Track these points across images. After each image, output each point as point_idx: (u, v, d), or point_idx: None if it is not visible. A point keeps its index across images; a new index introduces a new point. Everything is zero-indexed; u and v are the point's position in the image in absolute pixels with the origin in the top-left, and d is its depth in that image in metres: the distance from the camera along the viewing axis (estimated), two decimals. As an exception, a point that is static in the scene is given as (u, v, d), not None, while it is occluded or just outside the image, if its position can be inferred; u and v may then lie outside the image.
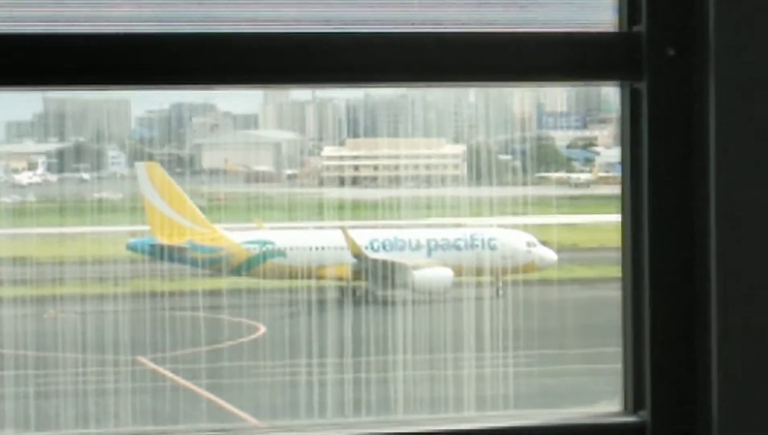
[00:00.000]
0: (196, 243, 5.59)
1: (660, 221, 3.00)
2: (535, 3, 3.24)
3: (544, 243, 5.73)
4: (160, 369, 5.33)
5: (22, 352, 5.02)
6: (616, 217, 3.12)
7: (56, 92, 5.58)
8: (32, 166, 5.52)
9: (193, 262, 5.65)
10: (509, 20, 3.17)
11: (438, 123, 5.40)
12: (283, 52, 3.00)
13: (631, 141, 3.08)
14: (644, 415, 3.03)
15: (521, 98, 5.22)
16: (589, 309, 5.24)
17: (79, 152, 5.51)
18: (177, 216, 5.49)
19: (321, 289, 5.71)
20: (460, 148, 5.66)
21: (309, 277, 5.81)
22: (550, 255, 5.73)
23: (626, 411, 3.11)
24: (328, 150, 6.18)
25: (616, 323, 3.15)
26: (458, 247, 5.94)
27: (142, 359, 5.28)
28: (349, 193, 5.95)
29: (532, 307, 5.14)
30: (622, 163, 3.14)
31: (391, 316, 5.45)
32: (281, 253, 5.99)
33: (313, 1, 3.16)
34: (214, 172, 6.00)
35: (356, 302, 5.66)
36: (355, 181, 6.05)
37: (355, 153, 6.03)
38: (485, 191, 5.63)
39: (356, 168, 5.92)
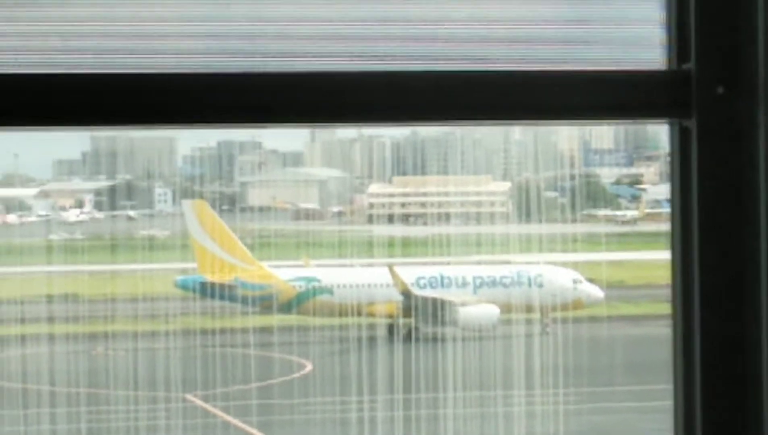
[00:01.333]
0: (245, 280, 5.58)
1: (710, 259, 2.75)
2: (585, 41, 3.01)
3: (590, 280, 5.64)
4: (210, 407, 5.24)
5: (74, 390, 4.98)
6: (663, 255, 2.97)
7: (104, 131, 5.70)
8: (79, 204, 5.62)
9: (243, 300, 5.62)
10: (559, 57, 2.96)
11: (485, 160, 5.40)
12: (331, 91, 2.80)
13: (680, 179, 2.85)
14: None
15: (568, 136, 5.22)
16: (637, 346, 5.23)
17: (126, 190, 5.59)
18: (224, 253, 5.45)
19: (369, 326, 5.68)
20: (507, 185, 5.61)
21: (358, 314, 5.75)
22: (597, 292, 5.65)
23: None
24: (375, 187, 6.14)
25: (664, 360, 2.93)
26: (505, 285, 5.91)
27: (192, 397, 5.14)
28: (395, 230, 5.85)
29: (579, 344, 5.05)
30: (672, 200, 2.96)
31: (441, 353, 5.44)
32: (329, 290, 5.95)
33: (355, 39, 2.90)
34: (261, 210, 6.06)
35: (405, 339, 5.61)
36: (402, 219, 5.97)
37: (402, 190, 5.99)
38: (532, 228, 5.63)
39: (403, 205, 5.86)
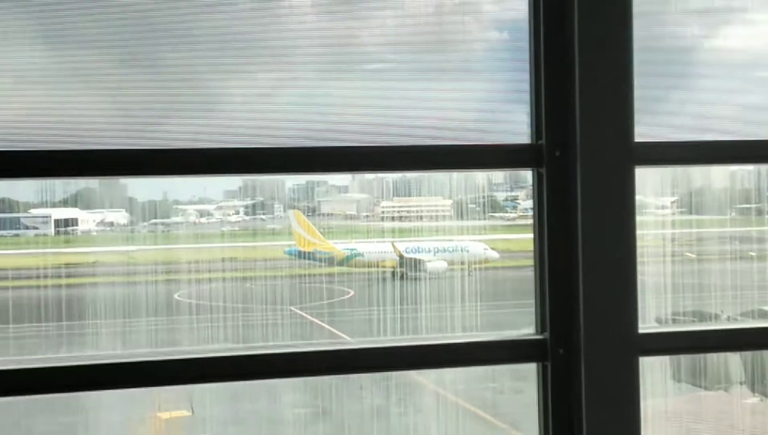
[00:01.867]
0: (320, 250, 7.41)
1: (553, 237, 3.29)
2: (485, 130, 3.53)
3: (492, 248, 6.88)
4: (303, 313, 6.45)
5: (235, 305, 6.30)
6: (529, 235, 3.43)
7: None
8: (237, 213, 7.17)
9: (318, 260, 7.44)
10: (473, 138, 3.49)
11: (439, 189, 6.45)
12: (348, 154, 3.34)
13: (537, 199, 3.35)
14: (547, 336, 3.28)
15: (482, 177, 6.34)
16: (517, 282, 6.48)
17: (260, 205, 7.25)
18: (309, 237, 7.34)
19: (382, 272, 7.57)
20: (450, 201, 7.56)
21: (376, 266, 7.68)
22: (495, 254, 6.82)
23: (537, 332, 3.35)
24: (384, 203, 8.00)
25: (531, 289, 3.41)
26: (449, 251, 7.78)
27: (293, 309, 6.37)
28: (394, 225, 7.13)
29: (487, 280, 6.19)
30: (534, 209, 3.40)
31: (417, 285, 7.22)
32: (361, 254, 7.99)
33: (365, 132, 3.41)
34: (328, 215, 7.64)
35: (399, 279, 7.47)
36: (397, 219, 7.19)
37: (397, 204, 8.01)
38: (462, 223, 7.68)
39: (398, 212, 7.11)
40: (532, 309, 3.41)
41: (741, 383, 4.44)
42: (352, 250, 7.94)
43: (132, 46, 3.07)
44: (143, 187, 5.80)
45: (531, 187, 3.40)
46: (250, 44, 3.26)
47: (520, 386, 4.12)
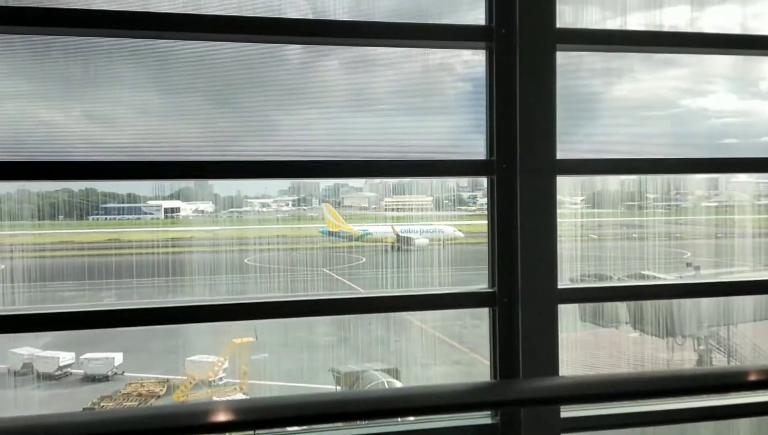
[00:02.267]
0: (342, 230, 7.23)
1: (500, 223, 3.13)
2: (455, 150, 3.40)
3: (459, 230, 6.80)
4: (332, 273, 6.29)
5: (285, 267, 6.14)
6: (484, 222, 3.31)
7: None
8: (287, 205, 7.02)
9: (341, 237, 7.27)
10: (448, 155, 3.36)
11: (424, 189, 6.38)
12: (356, 165, 3.24)
13: (490, 197, 3.20)
14: (495, 289, 3.14)
15: (453, 181, 6.24)
16: (476, 253, 5.89)
17: (303, 200, 7.12)
18: (336, 221, 7.16)
19: (384, 246, 7.33)
20: (431, 198, 7.31)
21: (381, 242, 7.40)
22: (461, 234, 6.73)
23: (489, 288, 3.20)
24: (387, 199, 7.80)
25: (485, 257, 3.27)
26: (430, 232, 7.45)
27: (325, 270, 6.27)
28: (394, 214, 7.05)
29: (456, 252, 6.19)
30: (488, 203, 3.25)
31: (408, 255, 6.97)
32: (370, 233, 7.51)
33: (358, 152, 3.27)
34: (348, 207, 7.50)
35: (396, 250, 7.23)
36: (395, 209, 7.12)
37: (395, 199, 7.74)
38: (438, 214, 6.68)
39: (396, 204, 7.03)
40: (486, 271, 3.32)
41: (626, 323, 4.40)
42: (364, 230, 7.77)
43: (218, 90, 3.09)
44: (224, 187, 5.79)
45: (486, 189, 3.31)
46: (296, 90, 3.23)
47: (477, 323, 3.91)
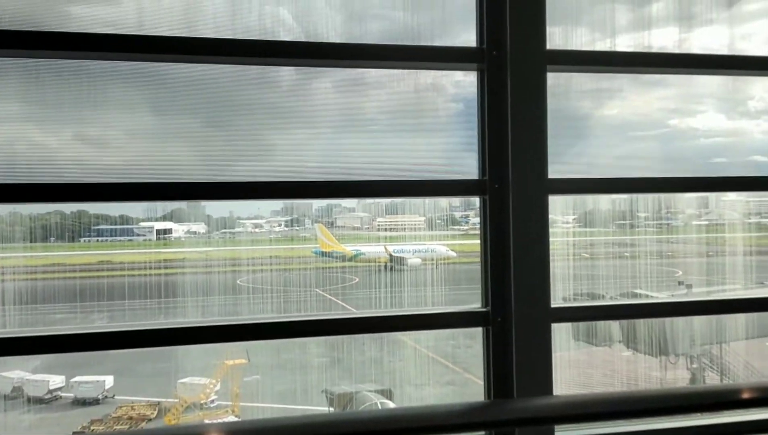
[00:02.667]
0: (335, 250, 7.17)
1: (493, 242, 3.14)
2: (447, 170, 3.39)
3: (452, 250, 6.78)
4: (324, 293, 6.26)
5: (275, 287, 5.99)
6: (477, 241, 3.31)
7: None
8: (279, 225, 6.97)
9: (334, 257, 6.85)
10: (439, 175, 3.37)
11: (416, 209, 6.39)
12: (347, 186, 3.23)
13: (482, 216, 3.21)
14: (489, 309, 3.15)
15: (445, 201, 6.27)
16: (469, 272, 5.76)
17: (296, 221, 7.09)
18: (328, 242, 6.79)
19: (377, 266, 7.34)
20: (423, 218, 6.80)
21: (374, 262, 7.41)
22: (453, 254, 6.70)
23: (482, 307, 3.21)
24: (379, 219, 7.71)
25: (478, 277, 3.26)
26: (423, 251, 6.42)
27: (318, 290, 6.25)
28: (387, 234, 7.05)
29: (449, 271, 6.13)
30: (480, 223, 3.26)
31: (401, 275, 6.90)
32: (363, 253, 7.24)
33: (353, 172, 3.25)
34: (341, 227, 7.43)
35: (389, 270, 6.79)
36: (388, 230, 7.12)
37: (388, 220, 7.21)
38: (431, 233, 6.65)
39: (388, 225, 7.05)
40: (479, 290, 3.32)
41: (619, 341, 4.40)
42: (357, 250, 7.79)
43: (212, 112, 3.09)
44: (216, 208, 5.79)
45: (479, 209, 3.31)
46: (289, 112, 3.23)
47: (470, 343, 3.95)
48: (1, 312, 3.62)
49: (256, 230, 7.30)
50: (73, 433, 5.70)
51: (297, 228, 7.58)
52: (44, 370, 5.74)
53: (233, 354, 5.85)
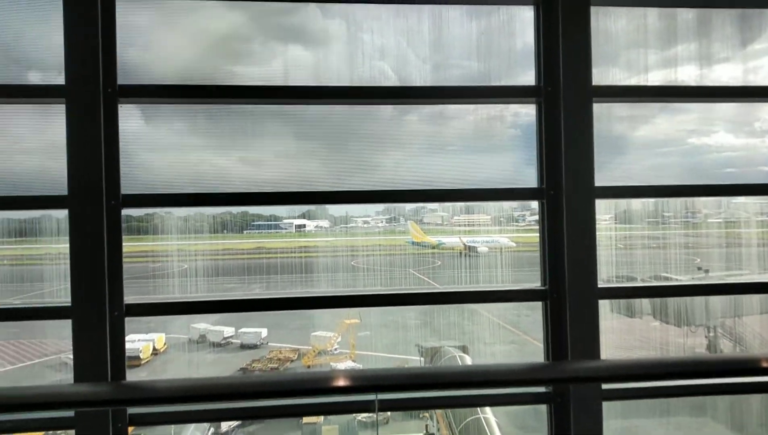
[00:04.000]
0: (423, 241, 6.82)
1: (550, 236, 2.98)
2: (512, 180, 3.15)
3: (512, 241, 6.53)
4: (417, 273, 5.43)
5: (381, 268, 5.81)
6: (533, 234, 3.24)
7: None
8: (382, 222, 6.26)
9: (423, 246, 6.76)
10: (506, 184, 3.15)
11: (484, 210, 6.20)
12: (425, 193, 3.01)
13: (540, 216, 3.04)
14: (546, 287, 2.96)
15: (508, 204, 6.06)
16: (527, 259, 5.48)
17: (394, 219, 6.82)
18: (418, 234, 6.75)
19: (454, 253, 6.69)
20: (490, 216, 6.55)
21: (451, 249, 6.95)
22: (513, 244, 6.46)
23: (541, 286, 3.02)
24: (455, 217, 7.25)
25: (537, 262, 3.13)
26: (489, 242, 6.84)
27: (411, 270, 5.61)
28: (462, 228, 6.86)
29: (511, 258, 5.84)
30: (539, 220, 3.09)
31: (476, 259, 6.16)
32: (444, 243, 7.18)
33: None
34: (427, 223, 7.05)
35: (463, 256, 6.65)
36: (462, 225, 7.00)
37: (463, 218, 7.06)
38: (496, 228, 6.44)
39: (463, 222, 6.96)
40: (536, 273, 3.17)
41: (649, 314, 4.15)
42: (439, 241, 7.70)
43: (334, 139, 3.08)
44: (336, 209, 5.78)
45: (538, 210, 3.14)
46: (386, 137, 3.16)
47: (529, 313, 3.85)
48: (195, 282, 3.70)
49: (365, 225, 7.54)
50: (239, 368, 5.89)
51: (395, 224, 7.73)
52: (221, 323, 5.96)
53: (350, 315, 5.83)
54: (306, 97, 2.79)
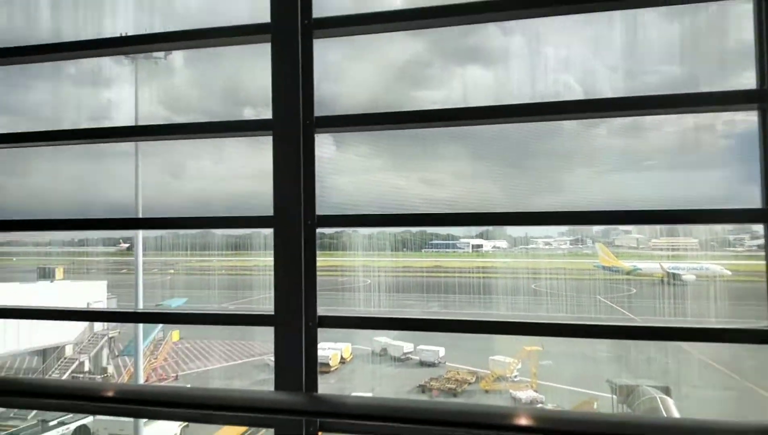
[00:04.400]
0: (614, 266, 6.53)
1: None
2: (723, 199, 2.86)
3: (727, 268, 5.61)
4: (605, 300, 5.41)
5: (562, 293, 5.39)
6: (754, 262, 3.21)
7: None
8: (565, 244, 6.54)
9: (613, 271, 6.26)
10: (714, 203, 2.88)
11: (688, 231, 5.46)
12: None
13: (766, 240, 2.58)
14: None
15: (720, 226, 5.23)
16: (748, 290, 5.06)
17: (578, 240, 6.45)
18: (608, 258, 6.26)
19: (652, 280, 6.20)
20: (696, 240, 5.78)
21: (649, 276, 5.78)
22: (727, 273, 5.58)
23: None
24: (654, 240, 7.21)
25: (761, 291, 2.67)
26: (696, 269, 6.07)
27: (599, 297, 5.54)
28: (662, 253, 6.12)
29: (724, 289, 5.01)
30: (765, 246, 2.63)
31: (674, 288, 5.87)
32: (640, 269, 6.39)
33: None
34: (618, 246, 6.40)
35: (664, 284, 5.84)
36: (663, 249, 6.26)
37: (663, 241, 6.32)
38: (706, 253, 5.62)
39: (663, 246, 6.23)
40: (760, 307, 2.46)
41: None
42: (634, 266, 7.24)
43: (512, 158, 2.98)
44: (515, 229, 5.70)
45: (758, 233, 2.77)
46: (572, 153, 3.00)
47: (752, 354, 3.05)
48: (378, 297, 4.02)
49: (546, 247, 7.60)
50: (418, 386, 6.07)
51: (580, 246, 7.61)
52: (399, 338, 6.26)
53: (531, 341, 5.75)
54: (485, 117, 2.81)
